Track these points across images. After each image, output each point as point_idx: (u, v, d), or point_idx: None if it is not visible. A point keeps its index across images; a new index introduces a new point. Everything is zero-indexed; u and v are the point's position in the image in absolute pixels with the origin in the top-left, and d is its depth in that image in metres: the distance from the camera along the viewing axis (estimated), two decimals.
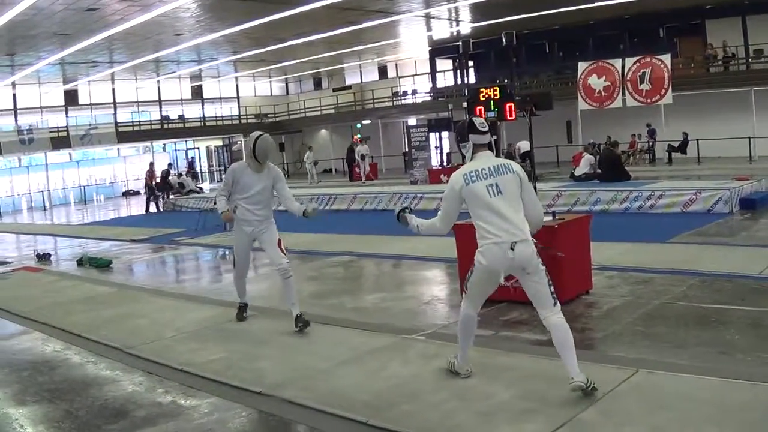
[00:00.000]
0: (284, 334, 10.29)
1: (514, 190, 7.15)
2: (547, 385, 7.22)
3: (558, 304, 7.10)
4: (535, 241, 7.13)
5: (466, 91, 35.40)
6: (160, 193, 39.54)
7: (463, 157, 7.55)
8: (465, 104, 27.78)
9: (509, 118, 18.50)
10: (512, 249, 6.91)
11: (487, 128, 7.46)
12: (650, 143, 40.27)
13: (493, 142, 7.58)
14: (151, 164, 42.11)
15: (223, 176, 11.51)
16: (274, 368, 8.74)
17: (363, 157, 43.10)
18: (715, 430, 5.99)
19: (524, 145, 33.18)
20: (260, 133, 10.77)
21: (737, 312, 10.03)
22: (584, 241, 11.75)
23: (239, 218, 10.77)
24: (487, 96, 17.26)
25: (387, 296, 12.93)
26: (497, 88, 16.50)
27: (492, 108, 17.57)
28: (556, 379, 7.06)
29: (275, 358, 9.20)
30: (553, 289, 7.10)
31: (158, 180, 39.80)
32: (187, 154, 63.21)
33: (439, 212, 7.56)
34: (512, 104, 18.45)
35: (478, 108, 17.71)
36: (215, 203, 11.31)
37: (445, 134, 46.31)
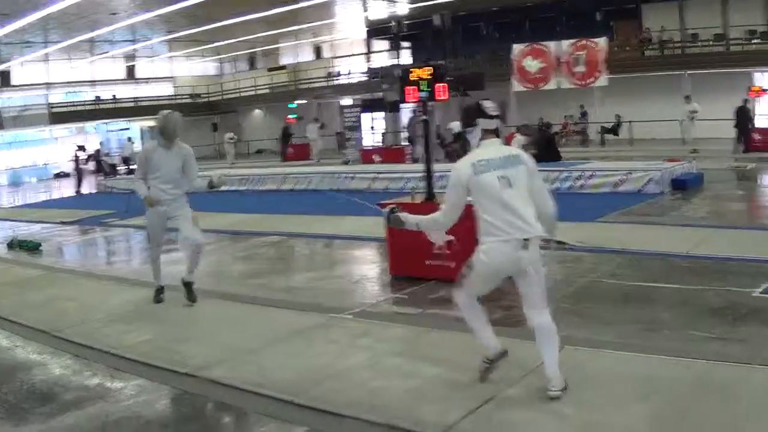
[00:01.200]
0: (212, 315, 10.25)
1: (525, 183, 6.58)
2: (474, 361, 7.17)
3: (548, 306, 6.73)
4: (554, 237, 6.86)
5: (399, 71, 35.37)
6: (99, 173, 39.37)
7: (467, 143, 6.91)
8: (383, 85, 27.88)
9: (441, 98, 18.46)
10: (524, 248, 6.39)
11: (497, 112, 6.88)
12: (583, 124, 40.59)
13: (500, 128, 7.02)
14: (80, 146, 41.90)
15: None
16: (201, 349, 8.67)
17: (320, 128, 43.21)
18: (641, 406, 6.05)
19: (456, 126, 33.24)
20: (167, 111, 10.74)
21: (665, 290, 10.17)
22: None
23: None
24: (418, 76, 17.20)
25: (316, 276, 12.91)
26: (429, 68, 16.41)
27: (424, 88, 17.53)
28: (481, 355, 7.08)
29: (203, 339, 9.13)
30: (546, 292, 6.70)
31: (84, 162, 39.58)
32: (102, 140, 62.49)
33: (442, 206, 6.92)
34: (444, 84, 18.41)
35: (409, 88, 17.68)
36: (135, 189, 11.21)
37: (379, 114, 46.34)
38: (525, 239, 6.38)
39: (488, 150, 6.70)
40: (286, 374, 7.54)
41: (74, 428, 6.63)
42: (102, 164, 40.44)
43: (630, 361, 7.21)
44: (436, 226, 7.10)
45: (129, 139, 50.08)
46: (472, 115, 6.85)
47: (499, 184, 6.46)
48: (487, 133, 6.80)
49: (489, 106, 6.86)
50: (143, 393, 7.44)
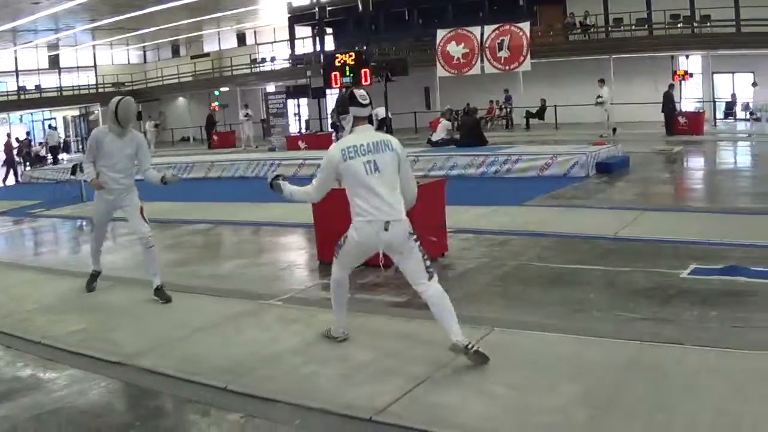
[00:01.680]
0: (142, 304, 10.14)
1: (392, 168, 7.06)
2: (405, 345, 7.31)
3: (434, 276, 7.04)
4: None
5: (323, 57, 35.38)
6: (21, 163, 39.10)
7: (342, 129, 7.41)
8: (307, 72, 27.74)
9: (365, 83, 18.54)
10: (386, 229, 6.88)
11: (368, 101, 7.30)
12: (507, 109, 40.85)
13: (373, 115, 7.41)
14: (9, 135, 41.66)
15: (83, 146, 11.27)
16: (132, 338, 8.61)
17: (248, 118, 43.26)
18: (570, 386, 6.12)
19: (381, 112, 33.30)
20: (122, 96, 10.43)
21: (593, 272, 10.29)
22: (439, 205, 11.83)
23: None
24: (342, 62, 17.25)
25: (244, 263, 12.88)
26: (353, 54, 16.50)
27: (348, 73, 17.58)
28: (413, 339, 7.15)
29: (133, 327, 9.06)
30: (429, 263, 7.06)
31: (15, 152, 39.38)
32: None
33: (314, 180, 7.44)
34: (368, 70, 18.50)
35: (333, 74, 17.72)
36: (81, 171, 11.03)
37: (303, 101, 46.26)
38: (386, 221, 6.89)
39: (359, 136, 7.16)
40: (218, 361, 7.51)
41: (8, 419, 6.54)
42: (29, 154, 40.16)
43: (559, 342, 7.29)
44: (308, 197, 7.75)
45: (50, 126, 49.52)
46: (344, 103, 7.30)
47: (366, 169, 6.96)
48: (359, 120, 7.25)
49: (360, 94, 7.33)
50: (76, 383, 7.35)
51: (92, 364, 7.87)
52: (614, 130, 32.20)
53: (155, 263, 10.47)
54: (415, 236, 7.02)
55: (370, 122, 7.38)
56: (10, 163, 38.69)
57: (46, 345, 8.65)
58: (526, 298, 9.20)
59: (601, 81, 33.22)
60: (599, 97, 32.95)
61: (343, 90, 7.32)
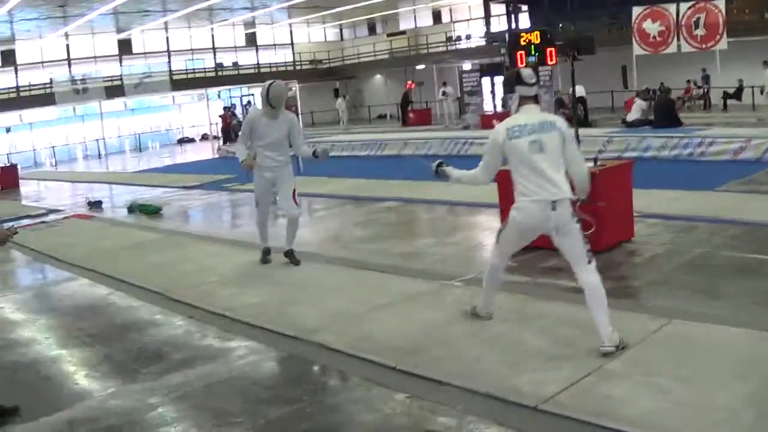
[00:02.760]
0: (323, 280, 10.43)
1: (557, 148, 7.00)
2: (579, 333, 7.21)
3: (593, 261, 6.99)
4: (575, 197, 7.06)
5: (507, 36, 35.08)
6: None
7: (509, 108, 7.40)
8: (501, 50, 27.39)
9: (550, 62, 18.30)
10: (553, 209, 6.86)
11: (534, 80, 7.28)
12: (705, 89, 39.76)
13: (540, 95, 7.41)
14: (225, 108, 45.81)
15: None
16: (309, 313, 8.85)
17: (446, 96, 43.34)
18: (741, 382, 5.95)
19: (579, 90, 32.86)
20: (272, 80, 11.06)
21: None
22: (626, 188, 11.62)
23: (259, 164, 11.08)
24: (528, 41, 17.06)
25: (432, 242, 12.99)
26: (538, 32, 16.28)
27: (533, 52, 17.38)
28: (588, 328, 7.03)
29: (312, 302, 9.31)
30: (588, 247, 7.02)
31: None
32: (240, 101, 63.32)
33: (480, 163, 7.45)
34: (553, 49, 18.23)
35: (519, 53, 17.55)
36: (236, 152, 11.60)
37: (498, 79, 46.02)
38: (553, 201, 6.86)
39: (524, 116, 7.13)
40: (391, 340, 7.63)
41: (181, 386, 6.84)
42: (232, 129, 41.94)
43: (737, 337, 7.04)
44: (475, 181, 7.64)
45: (248, 102, 50.78)
46: (510, 83, 7.31)
47: (530, 148, 6.94)
48: (525, 99, 7.22)
49: (526, 74, 7.32)
50: (251, 354, 7.65)
51: (269, 338, 8.16)
52: None
53: (293, 235, 11.33)
54: (576, 218, 7.00)
55: (537, 102, 7.32)
56: (226, 135, 41.86)
57: (225, 316, 9.03)
58: (708, 289, 8.92)
59: (766, 63, 31.93)
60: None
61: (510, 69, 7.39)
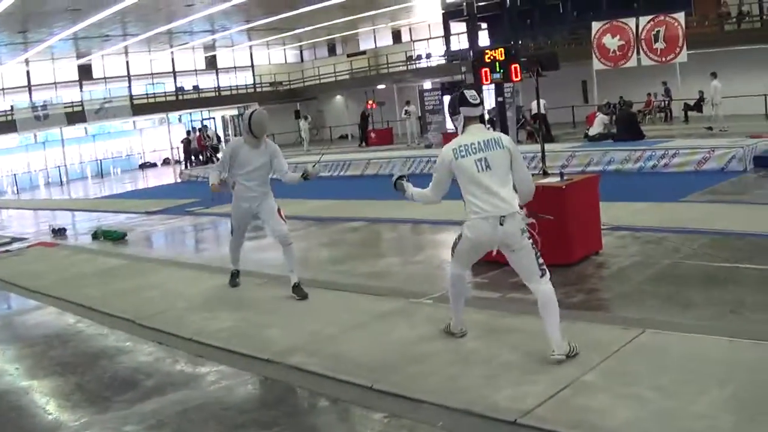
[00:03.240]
0: (293, 302, 10.36)
1: (504, 165, 7.15)
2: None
3: (546, 274, 7.12)
4: (522, 211, 7.19)
5: (471, 54, 35.21)
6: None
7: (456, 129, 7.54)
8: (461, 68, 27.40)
9: (515, 79, 18.37)
10: (501, 224, 6.99)
11: (478, 101, 7.45)
12: (666, 102, 40.06)
13: (485, 115, 7.57)
14: (199, 130, 46.81)
15: None
16: (281, 335, 8.81)
17: (409, 115, 43.65)
18: (719, 392, 5.96)
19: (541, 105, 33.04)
20: (254, 108, 10.95)
21: (748, 271, 9.98)
22: (593, 201, 11.68)
23: (238, 194, 10.87)
24: (492, 57, 17.12)
25: (398, 261, 13.00)
26: (502, 49, 16.36)
27: (497, 69, 17.45)
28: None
29: (283, 325, 9.26)
30: (541, 261, 7.13)
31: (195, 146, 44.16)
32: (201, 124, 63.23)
33: (431, 182, 7.60)
34: (517, 65, 18.30)
35: (483, 70, 17.59)
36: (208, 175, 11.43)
37: None
38: (502, 216, 7.00)
39: (470, 135, 7.28)
40: (365, 360, 7.61)
41: (156, 414, 6.75)
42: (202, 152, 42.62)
43: (711, 345, 7.09)
44: (427, 199, 7.82)
45: (203, 126, 51.04)
46: (454, 104, 7.43)
47: (477, 167, 7.10)
48: (470, 119, 7.39)
49: (470, 95, 7.43)
50: (224, 379, 7.56)
51: (242, 361, 8.10)
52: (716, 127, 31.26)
53: (293, 260, 10.80)
54: (527, 234, 7.11)
55: (482, 121, 7.57)
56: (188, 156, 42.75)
57: (197, 341, 8.95)
58: (679, 299, 8.97)
59: (713, 74, 32.21)
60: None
61: (458, 90, 7.34)
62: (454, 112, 7.44)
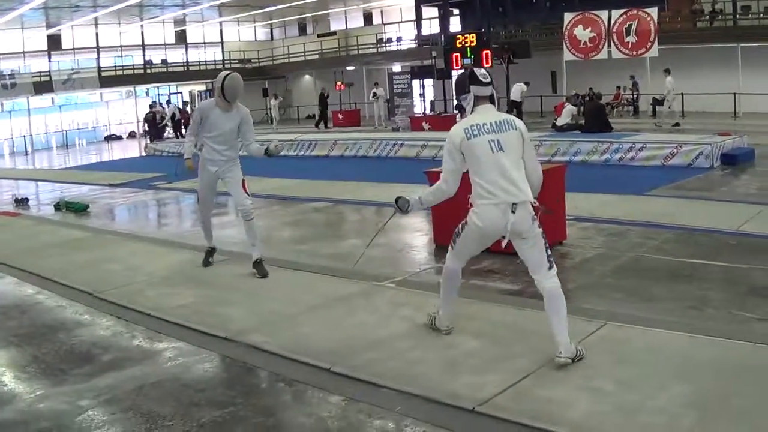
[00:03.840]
0: (254, 280, 10.28)
1: (517, 148, 6.73)
2: (515, 336, 7.23)
3: (554, 267, 6.77)
4: (534, 201, 6.80)
5: (443, 38, 35.19)
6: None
7: (464, 109, 7.03)
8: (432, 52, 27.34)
9: (485, 65, 18.34)
10: (513, 212, 6.55)
11: (489, 79, 6.97)
12: (634, 95, 40.20)
13: (495, 95, 7.18)
14: (151, 105, 45.47)
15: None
16: (241, 314, 8.73)
17: (377, 98, 43.40)
18: (680, 387, 5.95)
19: (518, 90, 33.08)
20: (228, 71, 10.48)
21: (711, 267, 10.00)
22: (559, 192, 11.65)
23: (205, 157, 10.62)
24: (464, 43, 17.10)
25: (361, 243, 12.81)
26: (474, 35, 16.32)
27: (468, 55, 17.42)
28: (523, 330, 7.05)
29: (243, 303, 9.18)
30: (550, 252, 6.81)
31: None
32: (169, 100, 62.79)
33: (441, 175, 7.00)
34: (489, 51, 18.30)
35: (455, 55, 17.56)
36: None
37: (428, 82, 46.15)
38: (514, 203, 6.57)
39: (481, 115, 6.83)
40: (325, 342, 7.54)
41: (112, 389, 6.67)
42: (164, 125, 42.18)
43: (672, 339, 7.07)
44: (441, 194, 7.09)
45: (167, 101, 50.84)
46: (465, 83, 6.98)
47: (491, 147, 6.64)
48: (480, 99, 6.92)
49: (480, 73, 7.05)
50: (182, 356, 7.49)
51: (200, 338, 8.01)
52: (676, 123, 31.53)
53: (256, 235, 10.66)
54: (538, 222, 6.75)
55: (492, 102, 7.00)
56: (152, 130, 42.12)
57: (155, 317, 8.83)
58: (641, 293, 8.99)
59: (667, 71, 32.38)
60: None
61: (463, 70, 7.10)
62: (462, 91, 6.96)
